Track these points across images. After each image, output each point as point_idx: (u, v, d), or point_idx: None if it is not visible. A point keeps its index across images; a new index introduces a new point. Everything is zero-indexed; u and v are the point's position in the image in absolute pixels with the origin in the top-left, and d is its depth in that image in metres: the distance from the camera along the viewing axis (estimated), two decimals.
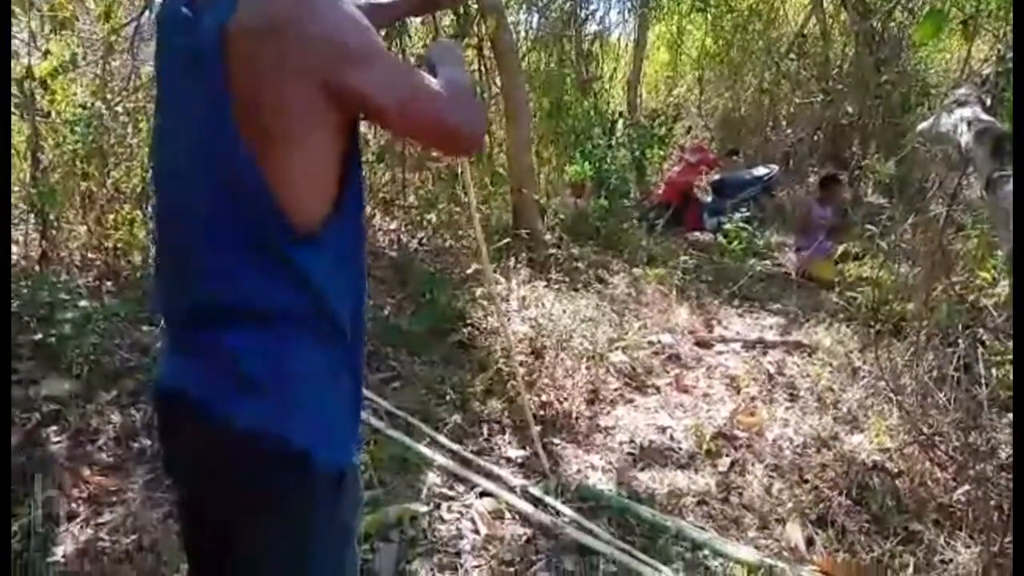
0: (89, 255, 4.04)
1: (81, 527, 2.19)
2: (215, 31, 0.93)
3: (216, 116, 0.96)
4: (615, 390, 3.49)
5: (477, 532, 2.35)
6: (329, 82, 0.95)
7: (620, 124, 7.58)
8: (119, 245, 4.00)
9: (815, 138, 8.72)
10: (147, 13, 4.76)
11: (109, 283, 3.81)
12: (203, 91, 0.97)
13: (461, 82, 1.14)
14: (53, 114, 3.96)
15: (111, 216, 4.09)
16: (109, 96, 4.39)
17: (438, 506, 2.46)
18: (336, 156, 1.03)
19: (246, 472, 1.04)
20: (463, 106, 1.07)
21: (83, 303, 3.14)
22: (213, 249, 1.02)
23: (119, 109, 4.33)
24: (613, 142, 7.20)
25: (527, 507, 2.46)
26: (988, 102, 3.05)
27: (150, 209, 4.33)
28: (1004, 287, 3.18)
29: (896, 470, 2.81)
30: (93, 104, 4.04)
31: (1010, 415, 2.83)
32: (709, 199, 7.25)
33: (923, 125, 3.29)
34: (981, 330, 3.22)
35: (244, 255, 1.01)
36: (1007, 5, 3.99)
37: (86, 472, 2.40)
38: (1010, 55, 3.18)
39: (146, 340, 3.16)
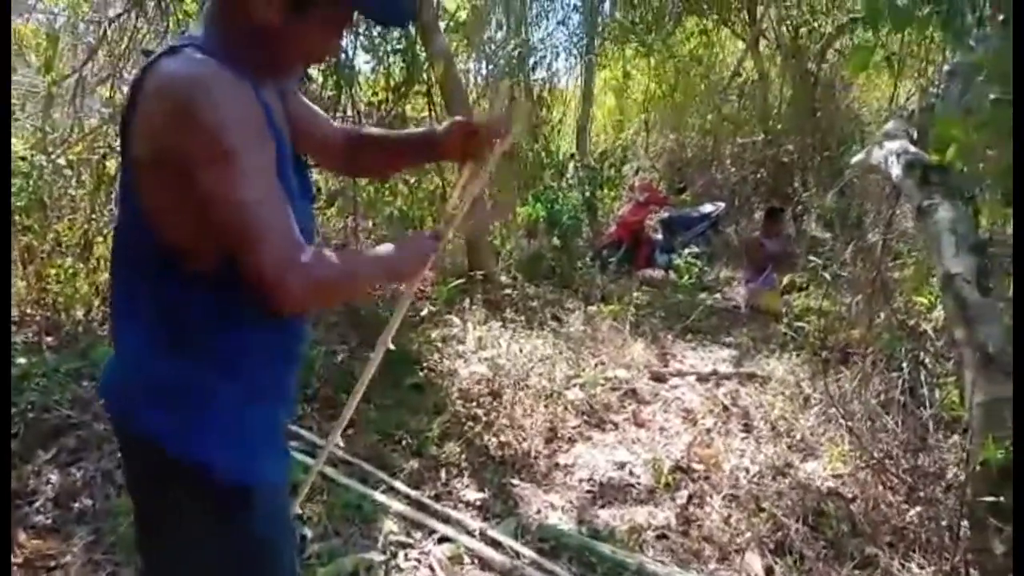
0: (28, 311, 3.91)
1: None
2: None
3: (124, 161, 1.11)
4: (573, 428, 3.48)
5: None
6: (187, 171, 1.01)
7: (571, 166, 7.72)
8: (60, 299, 3.88)
9: (758, 175, 9.01)
10: (90, 64, 4.73)
11: (49, 338, 3.68)
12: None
13: (341, 272, 1.13)
14: None
15: (52, 270, 3.98)
16: (50, 149, 4.31)
17: (395, 555, 2.40)
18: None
19: (149, 475, 1.17)
20: (304, 287, 1.03)
21: (21, 360, 3.03)
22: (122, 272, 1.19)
23: (61, 161, 4.25)
24: (564, 184, 7.32)
25: (487, 551, 2.41)
26: (915, 135, 3.21)
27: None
28: (941, 312, 3.29)
29: (850, 495, 2.85)
30: (33, 156, 3.96)
31: (955, 436, 2.91)
32: (659, 237, 7.40)
33: (856, 158, 3.44)
34: (923, 353, 3.33)
35: (142, 265, 1.12)
36: (928, 45, 4.22)
37: (21, 536, 2.28)
38: (932, 89, 3.36)
39: (87, 396, 3.05)
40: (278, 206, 1.04)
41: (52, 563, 2.21)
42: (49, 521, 2.41)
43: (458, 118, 1.40)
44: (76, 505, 2.50)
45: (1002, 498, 1.85)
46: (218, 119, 0.98)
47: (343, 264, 1.14)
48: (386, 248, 1.24)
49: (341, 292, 1.16)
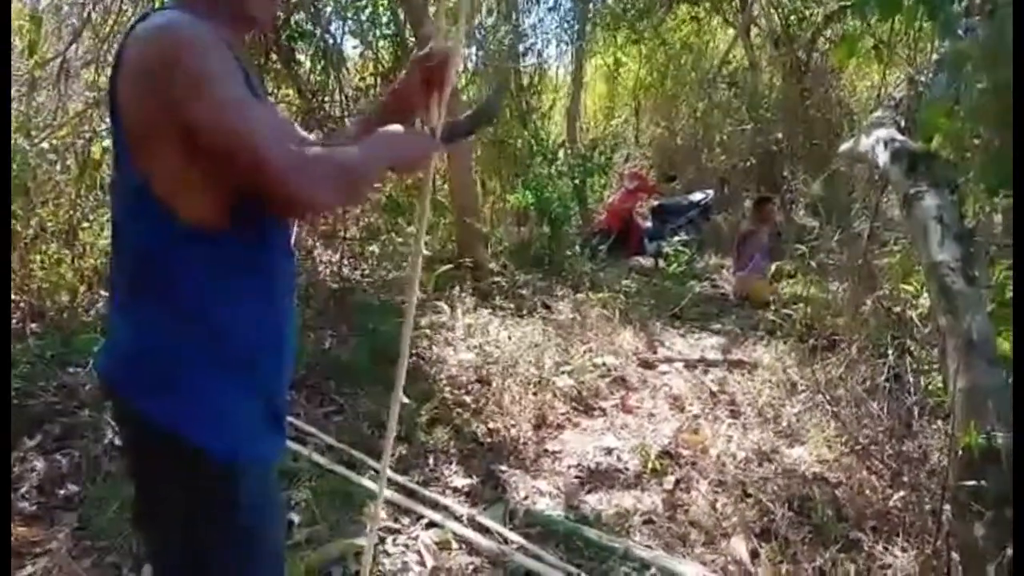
0: (12, 296, 3.87)
1: None
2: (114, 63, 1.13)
3: (115, 130, 1.12)
4: (562, 414, 3.50)
5: (423, 564, 2.30)
6: (178, 113, 1.03)
7: (561, 154, 7.70)
8: (44, 286, 3.85)
9: (747, 163, 9.02)
10: (74, 47, 4.66)
11: (34, 324, 3.65)
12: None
13: (339, 154, 1.14)
14: None
15: (37, 256, 3.94)
16: (33, 133, 4.25)
17: (383, 540, 2.40)
18: (205, 170, 1.07)
19: (140, 452, 1.19)
20: (308, 167, 1.05)
21: None
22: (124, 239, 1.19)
23: (45, 146, 4.19)
24: (554, 171, 7.31)
25: (474, 536, 2.43)
26: (902, 123, 3.22)
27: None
28: (926, 299, 3.32)
29: (835, 480, 2.88)
30: (16, 141, 3.91)
31: (939, 422, 2.94)
32: (648, 224, 7.41)
33: (844, 146, 3.44)
34: (908, 341, 3.35)
35: (136, 236, 1.14)
36: (917, 33, 4.22)
37: None
38: (919, 79, 3.36)
39: (72, 382, 3.03)
40: (268, 117, 1.07)
41: (38, 549, 2.20)
42: (34, 508, 2.40)
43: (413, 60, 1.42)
44: (61, 492, 2.50)
45: (983, 482, 1.88)
46: (197, 54, 1.03)
47: (343, 150, 1.17)
48: (384, 132, 1.23)
49: (350, 175, 1.13)
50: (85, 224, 4.32)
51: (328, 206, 1.17)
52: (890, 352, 3.31)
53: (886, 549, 2.39)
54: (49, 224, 4.17)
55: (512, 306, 4.91)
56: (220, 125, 1.02)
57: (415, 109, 1.39)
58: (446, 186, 6.23)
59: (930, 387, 3.04)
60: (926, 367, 3.21)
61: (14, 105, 4.48)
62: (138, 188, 1.09)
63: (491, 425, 3.26)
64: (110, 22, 4.72)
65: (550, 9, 10.94)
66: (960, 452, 1.98)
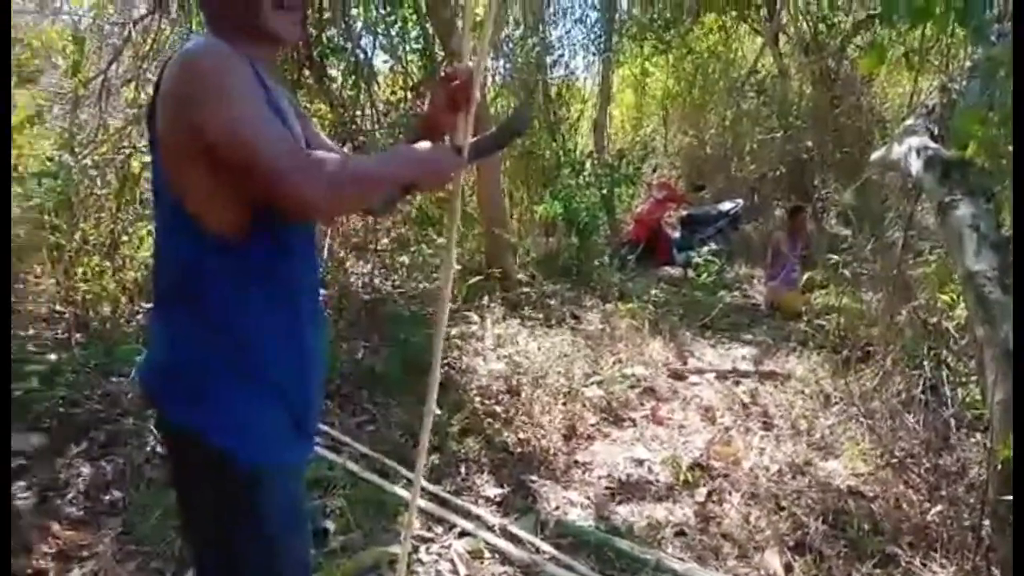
0: (58, 308, 3.99)
1: None
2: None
3: (153, 153, 1.20)
4: (592, 425, 3.50)
5: (456, 573, 2.32)
6: (195, 129, 1.10)
7: (588, 164, 7.72)
8: (88, 297, 3.96)
9: (777, 172, 8.95)
10: (114, 66, 4.81)
11: (79, 335, 3.75)
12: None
13: (351, 160, 1.21)
14: (20, 168, 3.95)
15: (80, 269, 4.06)
16: (77, 149, 4.39)
17: (416, 548, 2.43)
18: (226, 183, 1.12)
19: (176, 459, 1.26)
20: (311, 169, 1.09)
21: (51, 356, 3.10)
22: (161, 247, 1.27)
23: (87, 162, 4.33)
24: (582, 181, 7.32)
25: (507, 546, 2.44)
26: (935, 131, 3.18)
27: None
28: (963, 309, 3.27)
29: (871, 494, 2.84)
30: (60, 157, 4.04)
31: (977, 435, 2.89)
32: (677, 234, 7.38)
33: (876, 154, 3.42)
34: (945, 352, 3.30)
35: (170, 251, 1.22)
36: (949, 39, 4.17)
37: (55, 527, 2.34)
38: (952, 86, 3.33)
39: (115, 390, 3.11)
40: (281, 130, 1.13)
41: (84, 553, 2.27)
42: (81, 512, 2.48)
43: (438, 80, 1.45)
44: (106, 497, 2.57)
45: None
46: (217, 76, 1.10)
47: (357, 158, 1.27)
48: (405, 146, 1.28)
49: (359, 181, 1.16)
50: (124, 237, 4.44)
51: (330, 208, 1.20)
52: (926, 363, 3.26)
53: (924, 564, 2.36)
54: (91, 237, 4.30)
55: (541, 316, 4.92)
56: (235, 139, 1.08)
57: (443, 129, 1.41)
58: (474, 198, 6.28)
59: (968, 399, 2.99)
60: (963, 379, 3.16)
61: (59, 123, 4.64)
62: (173, 206, 1.16)
63: (521, 435, 3.27)
64: (149, 41, 4.87)
65: (577, 21, 11.02)
66: (999, 466, 1.95)
